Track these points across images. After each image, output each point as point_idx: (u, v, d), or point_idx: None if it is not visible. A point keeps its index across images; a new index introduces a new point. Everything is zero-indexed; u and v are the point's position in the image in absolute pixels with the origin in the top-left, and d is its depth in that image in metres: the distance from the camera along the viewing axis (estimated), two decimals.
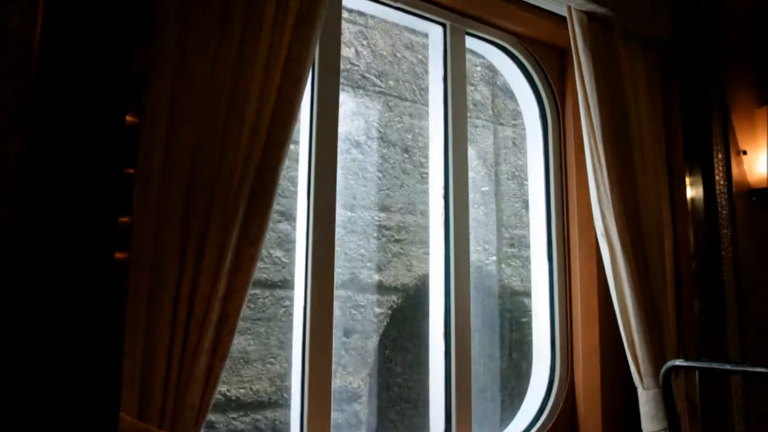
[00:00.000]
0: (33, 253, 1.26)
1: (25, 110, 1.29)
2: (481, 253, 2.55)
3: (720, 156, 2.71)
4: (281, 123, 1.60)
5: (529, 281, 2.60)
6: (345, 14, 2.09)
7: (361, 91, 2.18)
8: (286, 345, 2.04)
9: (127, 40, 1.39)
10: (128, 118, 1.39)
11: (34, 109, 1.29)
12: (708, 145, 2.71)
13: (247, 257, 1.51)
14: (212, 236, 1.46)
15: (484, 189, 2.40)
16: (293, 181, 2.15)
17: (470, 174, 2.36)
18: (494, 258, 2.65)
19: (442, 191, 2.35)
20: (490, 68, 2.90)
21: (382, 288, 2.35)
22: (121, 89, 1.38)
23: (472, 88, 2.77)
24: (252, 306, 2.07)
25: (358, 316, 2.24)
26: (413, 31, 2.52)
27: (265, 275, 2.11)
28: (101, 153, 1.34)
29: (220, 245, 1.47)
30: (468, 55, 2.43)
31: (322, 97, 2.02)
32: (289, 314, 2.07)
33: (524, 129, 2.78)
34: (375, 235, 2.31)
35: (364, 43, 2.35)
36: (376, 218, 2.31)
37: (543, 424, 2.47)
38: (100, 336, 1.30)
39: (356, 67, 2.43)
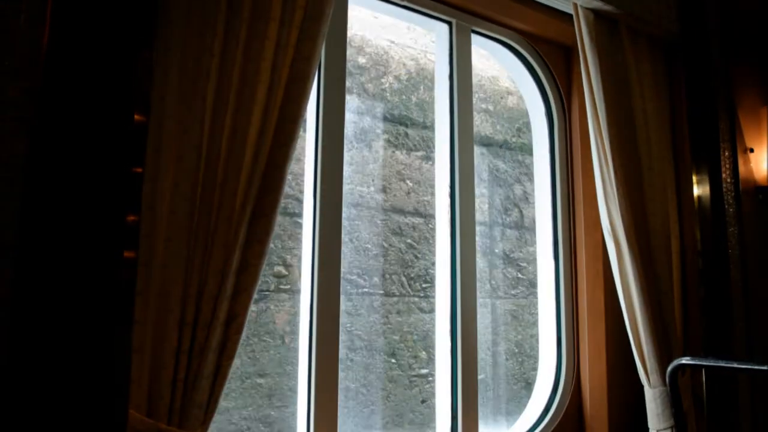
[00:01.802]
0: (40, 251, 1.26)
1: (32, 109, 1.30)
2: None
3: (727, 154, 2.70)
4: (288, 121, 1.60)
5: None
6: None
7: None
8: None
9: (134, 39, 1.40)
10: (136, 116, 1.40)
11: (41, 107, 1.29)
12: (714, 142, 2.70)
13: (254, 255, 1.51)
14: (220, 235, 1.47)
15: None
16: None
17: None
18: None
19: (448, 182, 2.35)
20: None
21: None
22: (128, 88, 1.39)
23: None
24: None
25: None
26: (402, 212, 2.32)
27: None
28: (109, 152, 1.35)
29: (227, 244, 1.47)
30: None
31: (328, 97, 2.02)
32: None
33: (525, 298, 2.63)
34: None
35: (346, 239, 2.12)
36: None
37: (549, 422, 2.47)
38: (108, 334, 1.31)
39: None
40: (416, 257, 2.35)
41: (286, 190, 1.81)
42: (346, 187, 2.14)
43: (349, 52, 2.22)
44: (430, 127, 2.42)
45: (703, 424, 2.43)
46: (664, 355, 2.32)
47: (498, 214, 2.65)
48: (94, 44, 1.36)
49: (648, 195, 2.45)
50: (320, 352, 1.89)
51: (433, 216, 2.41)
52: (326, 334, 1.90)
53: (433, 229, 2.40)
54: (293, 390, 1.97)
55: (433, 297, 2.35)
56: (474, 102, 2.46)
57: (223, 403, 1.81)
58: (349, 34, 2.15)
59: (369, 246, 2.24)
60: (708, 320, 2.55)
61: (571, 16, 2.43)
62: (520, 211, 2.68)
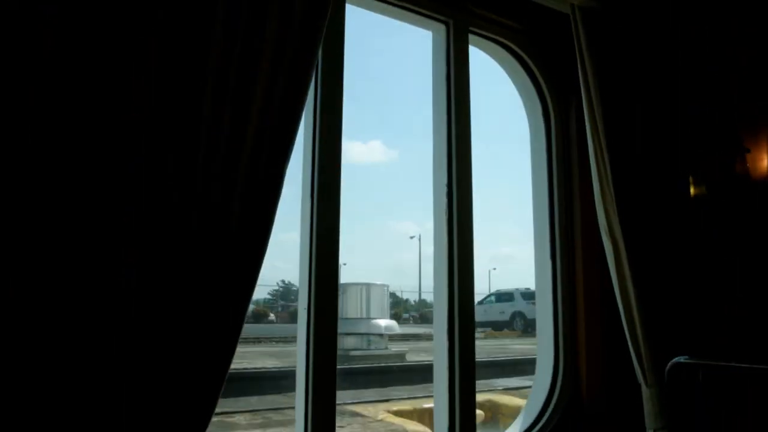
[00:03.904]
0: (38, 251, 1.26)
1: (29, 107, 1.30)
2: None
3: (723, 154, 2.71)
4: (286, 122, 1.60)
5: None
6: None
7: None
8: None
9: (136, 38, 1.40)
10: (133, 114, 1.39)
11: (38, 106, 1.29)
12: (711, 143, 2.70)
13: (254, 254, 1.51)
14: (219, 236, 1.47)
15: None
16: None
17: None
18: None
19: (446, 189, 2.35)
20: None
21: None
22: (127, 87, 1.39)
23: None
24: None
25: None
26: None
27: None
28: (108, 151, 1.35)
29: (225, 244, 1.47)
30: None
31: (325, 97, 2.02)
32: None
33: None
34: None
35: None
36: None
37: (547, 422, 2.47)
38: (107, 335, 1.31)
39: None
40: None
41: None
42: None
43: None
44: None
45: (700, 423, 2.43)
46: (661, 355, 2.32)
47: None
48: (96, 47, 1.36)
49: (645, 195, 2.46)
50: (317, 354, 1.89)
51: None
52: (324, 335, 1.91)
53: None
54: None
55: None
56: None
57: None
58: None
59: None
60: (706, 319, 2.56)
61: (568, 16, 2.44)
62: None
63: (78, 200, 1.30)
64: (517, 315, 19.94)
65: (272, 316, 25.19)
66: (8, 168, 1.25)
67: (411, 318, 31.05)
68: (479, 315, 20.19)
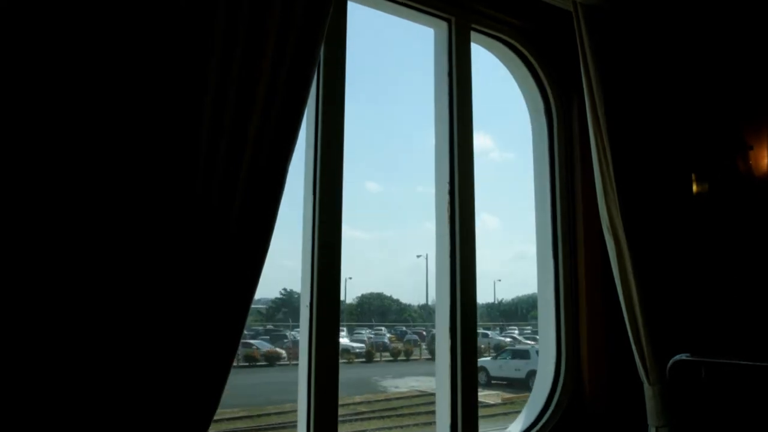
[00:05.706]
0: (39, 252, 1.26)
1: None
2: None
3: (726, 151, 2.70)
4: (288, 121, 1.59)
5: None
6: None
7: None
8: None
9: (136, 37, 1.39)
10: (134, 114, 1.39)
11: (38, 104, 1.29)
12: (714, 139, 2.70)
13: (256, 255, 1.51)
14: (219, 235, 1.46)
15: None
16: None
17: None
18: None
19: (447, 187, 2.35)
20: None
21: None
22: (124, 86, 1.39)
23: None
24: None
25: None
26: None
27: None
28: (108, 151, 1.35)
29: (225, 244, 1.47)
30: None
31: (327, 95, 2.01)
32: None
33: None
34: None
35: None
36: None
37: (549, 420, 2.47)
38: (101, 336, 1.31)
39: None
40: None
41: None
42: None
43: None
44: None
45: (702, 420, 2.43)
46: (663, 353, 2.32)
47: None
48: (96, 46, 1.35)
49: (648, 193, 2.45)
50: (320, 349, 1.89)
51: None
52: (326, 332, 1.90)
53: None
54: None
55: None
56: None
57: None
58: None
59: None
60: (708, 317, 2.56)
61: (571, 13, 2.43)
62: None
63: (77, 200, 1.30)
64: (533, 374, 19.88)
65: (284, 354, 21.64)
66: (8, 168, 1.25)
67: (417, 338, 28.66)
68: (495, 370, 20.17)
